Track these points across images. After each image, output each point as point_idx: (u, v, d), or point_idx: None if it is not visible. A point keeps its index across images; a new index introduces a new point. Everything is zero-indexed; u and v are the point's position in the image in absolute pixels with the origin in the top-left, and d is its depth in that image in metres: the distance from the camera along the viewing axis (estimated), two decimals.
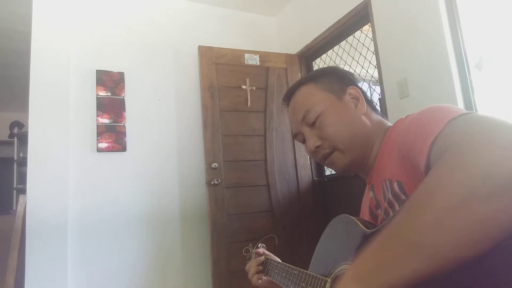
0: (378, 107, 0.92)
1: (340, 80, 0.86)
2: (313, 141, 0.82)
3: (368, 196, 0.82)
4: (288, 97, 0.91)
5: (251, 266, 1.07)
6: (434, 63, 2.05)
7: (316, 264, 0.79)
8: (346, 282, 0.45)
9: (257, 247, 1.11)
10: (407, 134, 0.63)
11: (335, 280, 0.69)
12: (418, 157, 0.56)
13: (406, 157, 0.63)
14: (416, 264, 0.39)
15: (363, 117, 0.82)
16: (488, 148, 0.41)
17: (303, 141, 0.86)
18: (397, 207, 0.68)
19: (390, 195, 0.69)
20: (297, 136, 0.88)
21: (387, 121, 0.85)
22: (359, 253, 0.45)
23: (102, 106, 2.69)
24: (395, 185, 0.68)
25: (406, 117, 0.71)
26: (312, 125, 0.82)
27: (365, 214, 0.84)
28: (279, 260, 1.02)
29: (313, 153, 0.84)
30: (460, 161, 0.41)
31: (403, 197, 0.66)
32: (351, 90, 0.84)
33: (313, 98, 0.84)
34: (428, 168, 0.52)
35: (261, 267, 1.06)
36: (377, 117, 0.85)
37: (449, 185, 0.40)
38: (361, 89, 0.86)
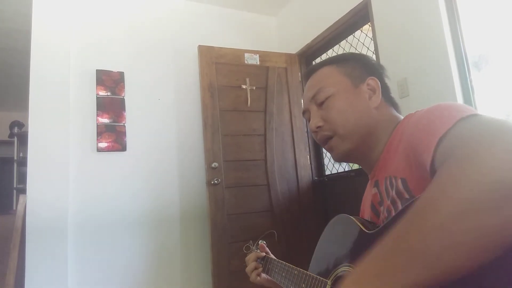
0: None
1: (363, 68, 0.84)
2: (315, 121, 0.82)
3: (370, 192, 0.81)
4: (308, 74, 0.90)
5: (250, 259, 1.07)
6: (434, 63, 2.05)
7: (316, 264, 0.79)
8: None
9: (258, 244, 1.11)
10: (414, 131, 0.62)
11: (335, 282, 0.69)
12: (424, 154, 0.55)
13: (412, 154, 0.62)
14: (418, 272, 0.38)
15: (373, 109, 0.80)
16: (495, 153, 0.39)
17: (309, 119, 0.86)
18: (399, 205, 0.66)
19: (393, 193, 0.68)
20: (305, 113, 0.88)
21: (400, 117, 0.83)
22: (360, 256, 0.44)
23: (102, 105, 2.69)
24: (399, 182, 0.66)
25: (415, 112, 0.69)
26: (320, 105, 0.82)
27: (366, 211, 0.83)
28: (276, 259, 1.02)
29: (314, 132, 0.84)
30: (466, 166, 0.40)
31: (406, 195, 0.64)
32: (370, 80, 0.82)
33: (329, 79, 0.83)
34: (433, 166, 0.51)
35: (260, 265, 1.06)
36: (390, 112, 0.82)
37: (454, 192, 0.39)
38: (383, 82, 0.84)
